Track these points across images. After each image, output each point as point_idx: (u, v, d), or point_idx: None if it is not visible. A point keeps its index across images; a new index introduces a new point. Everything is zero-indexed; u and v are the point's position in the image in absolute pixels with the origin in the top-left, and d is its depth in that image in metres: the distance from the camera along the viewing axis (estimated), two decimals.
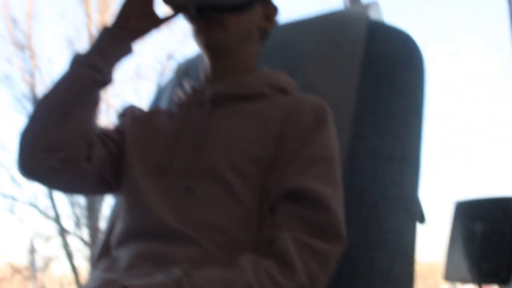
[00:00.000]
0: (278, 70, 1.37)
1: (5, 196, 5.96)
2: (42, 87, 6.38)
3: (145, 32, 1.30)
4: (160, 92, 1.77)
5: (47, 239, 6.27)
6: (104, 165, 1.28)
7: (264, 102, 1.27)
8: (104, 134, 1.30)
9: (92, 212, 6.56)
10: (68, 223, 6.51)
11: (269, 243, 1.08)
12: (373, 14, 1.57)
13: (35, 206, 6.17)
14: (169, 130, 1.28)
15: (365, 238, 1.28)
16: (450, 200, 1.46)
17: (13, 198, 6.00)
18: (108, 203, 6.77)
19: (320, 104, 1.24)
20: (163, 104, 1.68)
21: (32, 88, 6.35)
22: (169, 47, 6.95)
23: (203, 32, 1.28)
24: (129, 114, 1.37)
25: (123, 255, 1.17)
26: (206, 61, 1.35)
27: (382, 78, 1.43)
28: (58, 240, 6.34)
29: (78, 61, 1.23)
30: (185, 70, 1.72)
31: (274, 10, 1.39)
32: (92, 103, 1.23)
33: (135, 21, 1.27)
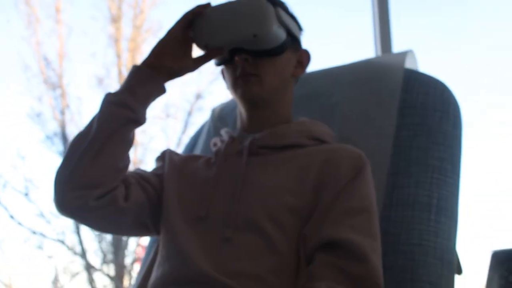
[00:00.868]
0: (316, 120, 1.37)
1: (34, 232, 5.99)
2: (72, 125, 6.45)
3: (178, 73, 1.29)
4: (195, 137, 1.78)
5: (74, 275, 6.28)
6: (142, 207, 1.29)
7: (301, 151, 1.28)
8: (142, 177, 1.31)
9: (119, 248, 6.57)
10: (94, 259, 6.52)
11: None
12: (408, 63, 1.58)
13: (62, 242, 6.19)
14: (206, 178, 1.29)
15: None
16: (488, 250, 1.44)
17: (42, 235, 6.02)
18: (134, 239, 6.77)
19: (357, 154, 1.25)
20: (199, 149, 1.70)
21: (62, 126, 6.42)
22: (198, 87, 6.99)
23: (239, 85, 1.30)
24: (167, 158, 1.38)
25: None
26: (242, 110, 1.36)
27: (419, 128, 1.44)
28: (84, 276, 6.35)
29: (110, 101, 1.23)
30: (220, 115, 1.74)
31: (306, 55, 1.41)
32: (125, 142, 1.23)
33: (169, 61, 1.27)
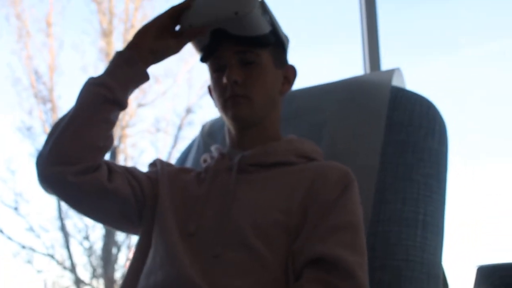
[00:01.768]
0: (304, 138, 1.40)
1: (23, 247, 5.97)
2: None
3: (162, 54, 1.33)
4: (186, 152, 1.80)
5: None
6: (127, 200, 1.30)
7: (290, 168, 1.30)
8: (130, 173, 1.33)
9: (108, 263, 6.55)
10: (84, 273, 6.49)
11: None
12: (395, 80, 1.61)
13: (52, 257, 6.17)
14: (197, 194, 1.31)
15: None
16: (473, 264, 1.47)
17: (32, 249, 6.00)
18: (124, 253, 6.75)
19: (344, 171, 1.27)
20: (189, 164, 1.71)
21: None
22: (188, 101, 7.01)
23: (229, 107, 1.32)
24: (160, 167, 1.39)
25: None
26: (231, 128, 1.38)
27: (405, 145, 1.47)
28: None
29: (90, 82, 1.28)
30: (209, 131, 1.76)
31: (293, 71, 1.43)
32: (104, 121, 1.26)
33: (151, 41, 1.31)
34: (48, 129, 6.42)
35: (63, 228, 6.48)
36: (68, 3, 6.99)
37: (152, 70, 1.34)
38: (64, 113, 1.27)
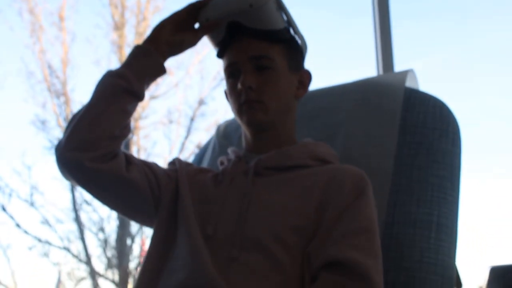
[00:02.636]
0: (320, 141, 1.42)
1: (40, 240, 6.03)
2: None
3: (179, 47, 1.37)
4: (201, 154, 1.82)
5: (79, 280, 6.32)
6: (144, 194, 1.33)
7: (305, 171, 1.32)
8: (149, 168, 1.36)
9: (123, 254, 6.60)
10: (99, 265, 6.55)
11: None
12: (409, 82, 1.62)
13: (68, 250, 6.22)
14: (214, 196, 1.33)
15: None
16: (486, 265, 1.49)
17: (48, 243, 6.06)
18: (137, 244, 6.80)
19: (360, 175, 1.29)
20: (205, 165, 1.74)
21: None
22: (200, 93, 7.03)
23: (244, 112, 1.34)
24: (178, 165, 1.42)
25: None
26: (247, 133, 1.41)
27: (419, 146, 1.48)
28: (89, 282, 6.38)
29: (108, 74, 1.32)
30: (225, 132, 1.78)
31: (308, 76, 1.45)
32: (121, 111, 1.30)
33: (168, 34, 1.36)
34: (62, 123, 6.48)
35: (77, 220, 6.54)
36: None
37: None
38: (83, 104, 1.31)
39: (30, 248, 5.98)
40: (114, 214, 6.54)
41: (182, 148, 7.29)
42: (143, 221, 1.43)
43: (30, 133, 6.68)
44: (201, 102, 7.15)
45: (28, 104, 6.91)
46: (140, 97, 1.33)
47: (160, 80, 6.87)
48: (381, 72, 2.11)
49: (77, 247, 6.48)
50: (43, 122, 6.45)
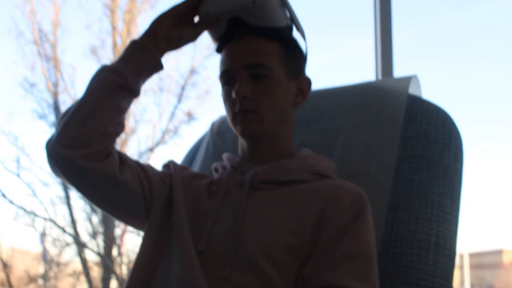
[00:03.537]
0: (319, 155, 1.37)
1: (25, 211, 5.99)
2: (65, 95, 6.40)
3: (178, 42, 1.34)
4: (193, 151, 1.77)
5: (63, 247, 6.31)
6: (136, 197, 1.29)
7: (303, 187, 1.27)
8: (141, 168, 1.32)
9: (108, 219, 6.57)
10: (84, 233, 6.54)
11: None
12: (412, 88, 1.57)
13: (52, 221, 6.19)
14: (208, 208, 1.28)
15: None
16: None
17: (34, 214, 6.02)
18: None
19: (358, 195, 1.24)
20: (197, 164, 1.69)
21: (55, 96, 6.38)
22: (192, 61, 6.94)
23: (238, 122, 1.30)
24: (173, 169, 1.38)
25: None
26: (242, 142, 1.36)
27: (420, 161, 1.43)
28: (73, 249, 6.38)
29: (103, 68, 1.28)
30: (219, 130, 1.72)
31: (307, 82, 1.39)
32: (115, 108, 1.25)
33: (167, 28, 1.32)
34: (51, 87, 6.40)
35: (63, 184, 6.49)
36: None
37: None
38: (76, 99, 1.26)
39: (15, 218, 5.93)
40: None
41: (171, 117, 7.22)
42: (133, 223, 1.39)
43: (17, 96, 6.58)
44: (193, 71, 7.07)
45: (17, 66, 6.79)
46: (135, 93, 1.28)
47: None
48: (380, 76, 2.05)
49: (62, 212, 6.45)
50: (33, 85, 6.36)
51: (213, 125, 1.77)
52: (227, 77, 1.32)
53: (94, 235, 6.45)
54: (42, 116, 6.30)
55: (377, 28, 2.07)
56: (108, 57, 6.58)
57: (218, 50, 1.37)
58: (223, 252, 1.21)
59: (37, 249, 6.28)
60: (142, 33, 1.32)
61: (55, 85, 6.33)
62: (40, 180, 6.28)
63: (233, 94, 1.28)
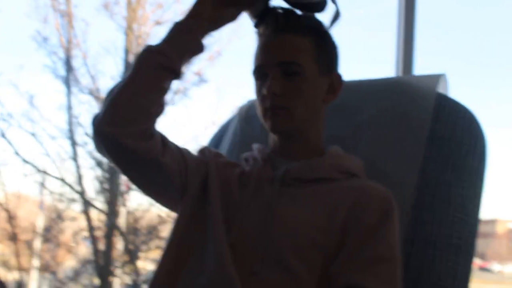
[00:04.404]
0: (349, 155, 1.39)
1: (39, 170, 6.03)
2: (77, 51, 6.38)
3: (219, 21, 1.36)
4: (220, 134, 1.78)
5: (69, 203, 6.36)
6: (173, 180, 1.32)
7: (332, 185, 1.30)
8: (180, 153, 1.35)
9: (114, 175, 6.59)
10: (90, 189, 6.59)
11: None
12: (439, 87, 1.58)
13: (62, 180, 6.23)
14: (239, 199, 1.31)
15: None
16: None
17: (45, 173, 6.07)
18: None
19: (387, 198, 1.27)
20: (224, 149, 1.70)
21: (68, 51, 6.36)
22: None
23: (268, 117, 1.33)
24: (208, 156, 1.41)
25: None
26: (273, 136, 1.39)
27: (446, 162, 1.45)
28: (79, 205, 6.42)
29: (147, 49, 1.30)
30: (247, 115, 1.73)
31: (338, 79, 1.40)
32: (157, 87, 1.29)
33: (209, 9, 1.34)
34: (64, 42, 6.37)
35: (71, 138, 6.50)
36: None
37: None
38: (122, 78, 1.30)
39: (25, 175, 5.98)
40: None
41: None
42: (166, 204, 1.44)
43: (30, 49, 6.54)
44: None
45: (31, 20, 6.74)
46: (178, 74, 1.31)
47: (167, 5, 6.74)
48: (400, 73, 2.04)
49: (69, 168, 6.47)
50: (45, 40, 6.33)
51: (240, 110, 1.78)
52: (260, 73, 1.35)
53: (100, 191, 6.49)
54: (53, 70, 6.30)
55: (400, 24, 2.06)
56: (121, 14, 6.54)
57: (256, 26, 1.40)
58: (252, 247, 1.24)
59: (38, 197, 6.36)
60: (185, 14, 1.34)
61: (68, 41, 6.31)
62: (48, 134, 6.31)
63: (264, 91, 1.31)
